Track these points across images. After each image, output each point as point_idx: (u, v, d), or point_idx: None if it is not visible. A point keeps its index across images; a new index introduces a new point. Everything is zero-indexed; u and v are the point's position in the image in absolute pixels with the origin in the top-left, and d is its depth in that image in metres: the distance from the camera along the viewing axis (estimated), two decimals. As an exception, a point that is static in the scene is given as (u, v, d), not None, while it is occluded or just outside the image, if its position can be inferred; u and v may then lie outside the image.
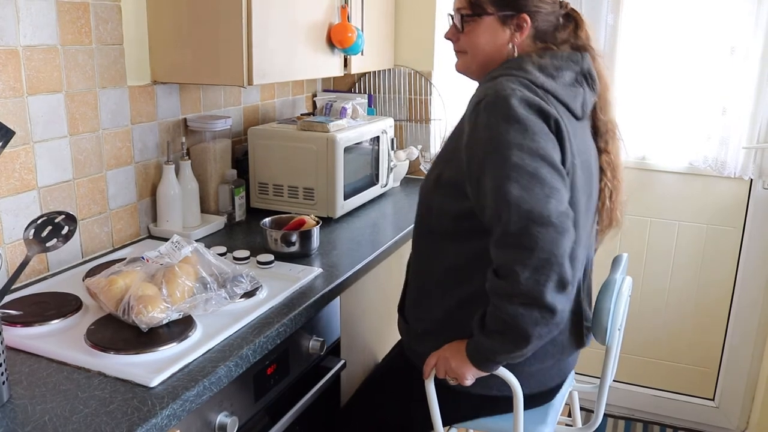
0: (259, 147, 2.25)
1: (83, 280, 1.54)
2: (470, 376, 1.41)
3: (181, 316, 1.39)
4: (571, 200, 1.35)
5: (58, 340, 1.34)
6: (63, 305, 1.46)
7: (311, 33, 2.12)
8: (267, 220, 1.94)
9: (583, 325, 1.55)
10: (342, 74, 2.39)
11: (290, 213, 2.08)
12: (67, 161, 1.72)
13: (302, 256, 1.86)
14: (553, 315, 1.26)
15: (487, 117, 1.30)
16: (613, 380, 2.38)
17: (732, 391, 2.79)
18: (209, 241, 1.96)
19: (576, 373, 2.47)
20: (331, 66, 2.28)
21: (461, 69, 1.52)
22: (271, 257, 1.77)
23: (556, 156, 1.30)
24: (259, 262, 1.75)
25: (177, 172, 1.98)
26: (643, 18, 2.56)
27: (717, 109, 2.50)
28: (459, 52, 1.51)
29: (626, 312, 1.66)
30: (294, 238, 1.85)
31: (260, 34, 1.84)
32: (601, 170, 1.52)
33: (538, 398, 1.57)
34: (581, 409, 2.17)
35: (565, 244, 1.24)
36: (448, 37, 1.51)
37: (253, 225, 2.12)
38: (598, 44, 1.48)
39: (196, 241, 1.83)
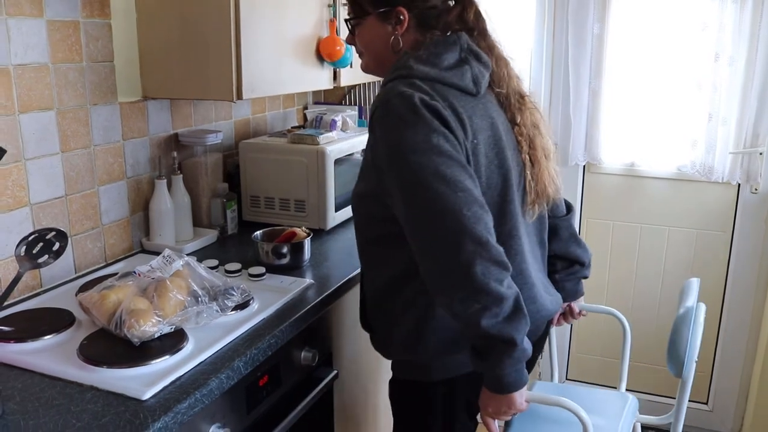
0: (250, 160, 2.26)
1: (76, 296, 1.55)
2: (516, 402, 1.34)
3: (172, 330, 1.40)
4: (485, 177, 1.36)
5: (51, 355, 1.35)
6: (56, 320, 1.48)
7: (300, 47, 2.14)
8: (258, 232, 1.96)
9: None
10: (331, 87, 2.40)
11: (282, 225, 2.09)
12: (59, 178, 1.73)
13: (293, 268, 1.87)
14: (501, 300, 1.23)
15: (380, 129, 1.34)
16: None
17: (725, 394, 2.80)
18: (202, 254, 1.98)
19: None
20: (320, 79, 2.30)
21: (364, 69, 1.58)
22: (262, 270, 1.78)
23: (449, 146, 1.29)
24: (250, 275, 1.77)
25: (169, 186, 2.00)
26: (629, 26, 2.59)
27: (703, 115, 2.53)
28: (359, 54, 1.57)
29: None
30: (285, 250, 1.87)
31: (249, 49, 1.86)
32: (519, 143, 1.50)
33: None
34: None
35: (483, 229, 1.24)
36: (347, 41, 1.58)
37: (245, 238, 2.13)
38: (490, 22, 1.50)
39: (189, 254, 1.85)
